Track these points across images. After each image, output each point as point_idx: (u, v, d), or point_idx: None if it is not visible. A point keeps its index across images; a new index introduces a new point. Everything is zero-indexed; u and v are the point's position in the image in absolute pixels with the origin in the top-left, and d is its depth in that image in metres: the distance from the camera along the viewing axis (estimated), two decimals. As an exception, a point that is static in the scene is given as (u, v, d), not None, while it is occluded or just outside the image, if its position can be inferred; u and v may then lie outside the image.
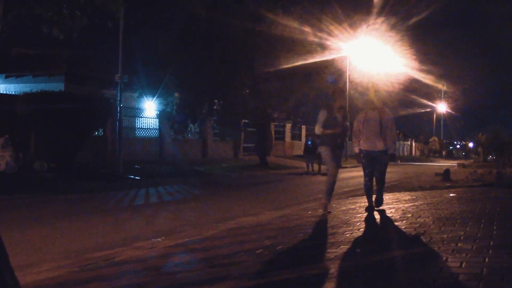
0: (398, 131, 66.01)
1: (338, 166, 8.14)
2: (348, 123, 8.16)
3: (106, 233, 7.30)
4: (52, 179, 14.98)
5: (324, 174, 23.34)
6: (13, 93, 20.26)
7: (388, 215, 6.85)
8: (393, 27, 27.01)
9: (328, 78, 26.66)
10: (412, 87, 36.29)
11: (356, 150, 7.84)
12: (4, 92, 21.53)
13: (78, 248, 6.10)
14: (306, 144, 24.61)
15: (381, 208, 7.72)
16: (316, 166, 23.78)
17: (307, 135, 29.90)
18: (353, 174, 22.99)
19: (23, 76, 23.31)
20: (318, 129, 7.94)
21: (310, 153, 23.20)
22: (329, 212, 7.80)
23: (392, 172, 24.22)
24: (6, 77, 23.63)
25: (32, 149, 17.20)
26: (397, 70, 31.56)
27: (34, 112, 16.61)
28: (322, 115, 7.92)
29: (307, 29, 22.90)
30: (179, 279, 4.28)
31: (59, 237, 7.00)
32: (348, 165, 33.73)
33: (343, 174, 23.81)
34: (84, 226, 7.94)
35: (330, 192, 7.98)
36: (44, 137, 17.07)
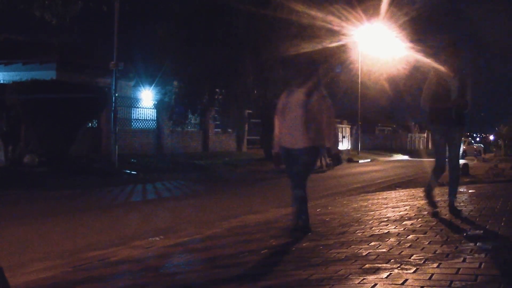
0: (414, 122, 65.75)
1: (455, 158, 6.42)
2: (469, 94, 6.34)
3: (101, 231, 7.34)
4: (43, 174, 15.04)
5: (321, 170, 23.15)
6: (2, 81, 20.32)
7: (402, 212, 6.85)
8: (408, 12, 26.89)
9: (336, 66, 26.60)
10: (426, 76, 36.24)
11: (275, 149, 5.99)
12: (-7, 81, 21.59)
13: (72, 247, 6.14)
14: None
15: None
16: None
17: None
18: (364, 169, 22.98)
19: (12, 63, 23.36)
20: (423, 103, 6.39)
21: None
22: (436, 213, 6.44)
23: (407, 167, 24.20)
24: (-5, 64, 23.71)
25: (23, 142, 17.26)
26: (411, 58, 31.44)
27: (24, 102, 16.65)
28: (429, 84, 6.36)
29: (315, 12, 22.81)
30: (178, 281, 4.30)
31: (51, 235, 7.03)
32: (359, 159, 33.74)
33: (354, 169, 23.79)
34: (77, 224, 7.98)
35: (430, 196, 6.63)
36: (35, 129, 17.12)
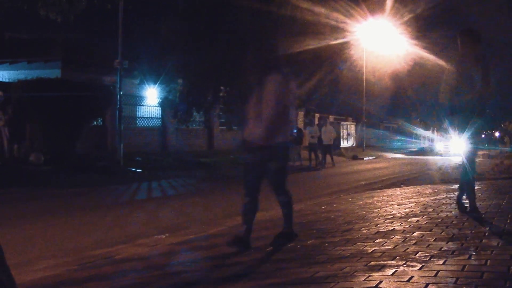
0: (418, 119, 65.44)
1: (471, 154, 5.90)
2: (491, 84, 5.83)
3: (106, 229, 7.36)
4: (48, 172, 15.08)
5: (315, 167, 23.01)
6: (7, 80, 20.37)
7: (408, 209, 6.84)
8: (413, 8, 26.82)
9: (341, 63, 26.55)
10: (430, 73, 36.11)
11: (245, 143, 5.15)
12: (-2, 80, 21.66)
13: (77, 245, 6.15)
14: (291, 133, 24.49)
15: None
16: (313, 159, 23.44)
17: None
18: (369, 166, 22.96)
19: (17, 62, 23.43)
20: (442, 96, 5.89)
21: (296, 143, 22.68)
22: None
23: (412, 164, 24.14)
24: (0, 63, 23.76)
25: (28, 140, 17.32)
26: (416, 54, 31.38)
27: (29, 100, 16.70)
28: (448, 75, 5.82)
29: (319, 9, 22.78)
30: (183, 279, 4.30)
31: (57, 233, 7.06)
32: (364, 156, 33.68)
33: (359, 166, 23.78)
34: (83, 222, 8.00)
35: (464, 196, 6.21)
36: (40, 127, 17.17)
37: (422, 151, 43.05)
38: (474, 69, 5.68)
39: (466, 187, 6.04)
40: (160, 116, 24.97)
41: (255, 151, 4.98)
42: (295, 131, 23.02)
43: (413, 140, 60.21)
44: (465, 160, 5.89)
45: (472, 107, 5.66)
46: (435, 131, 69.43)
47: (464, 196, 6.14)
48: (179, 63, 22.82)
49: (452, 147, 34.78)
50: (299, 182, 15.53)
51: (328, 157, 23.45)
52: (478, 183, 10.66)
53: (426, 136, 66.75)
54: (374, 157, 34.23)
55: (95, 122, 20.63)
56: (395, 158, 33.87)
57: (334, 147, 25.11)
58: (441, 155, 35.91)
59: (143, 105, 24.33)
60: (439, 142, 42.27)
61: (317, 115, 39.40)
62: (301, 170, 20.26)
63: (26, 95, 16.70)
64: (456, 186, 10.01)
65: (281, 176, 5.18)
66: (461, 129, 5.77)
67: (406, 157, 35.91)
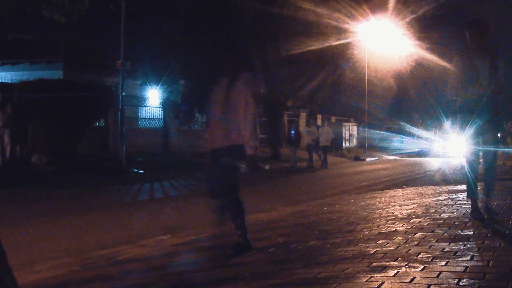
0: (420, 120, 65.24)
1: (491, 154, 5.55)
2: (501, 77, 5.46)
3: (109, 230, 7.37)
4: (51, 173, 15.10)
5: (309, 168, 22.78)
6: (9, 81, 20.40)
7: (410, 210, 6.84)
8: (415, 9, 26.82)
9: (343, 64, 26.54)
10: (432, 73, 36.07)
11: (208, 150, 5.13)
12: (0, 81, 21.68)
13: (79, 246, 6.16)
14: (289, 134, 23.78)
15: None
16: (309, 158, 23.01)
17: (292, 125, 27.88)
18: (371, 167, 22.94)
19: (19, 63, 23.46)
20: (451, 91, 5.58)
21: (293, 144, 22.60)
22: None
23: (414, 165, 24.12)
24: (2, 64, 23.80)
25: (30, 141, 17.35)
26: (418, 55, 31.34)
27: (31, 101, 16.73)
28: (454, 68, 5.51)
29: (321, 10, 22.79)
30: (185, 279, 4.31)
31: (59, 234, 7.07)
32: (366, 157, 33.66)
33: (361, 167, 23.76)
34: (85, 223, 8.01)
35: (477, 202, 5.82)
36: (42, 128, 17.20)
37: (420, 153, 41.78)
38: (482, 61, 5.37)
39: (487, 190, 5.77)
40: (162, 117, 24.99)
41: (218, 153, 4.91)
42: (292, 132, 22.92)
43: (415, 141, 59.95)
44: (485, 164, 5.63)
45: (480, 105, 5.29)
46: (437, 132, 69.11)
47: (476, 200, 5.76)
48: (181, 64, 22.85)
49: (450, 148, 33.12)
50: (301, 183, 15.53)
51: (323, 158, 22.95)
52: (480, 183, 10.65)
53: (428, 137, 66.53)
54: (376, 158, 34.22)
55: (97, 123, 20.65)
56: (396, 159, 33.82)
57: (331, 148, 24.76)
58: (439, 156, 34.54)
59: (145, 106, 24.35)
60: (437, 143, 40.11)
61: (319, 116, 39.45)
62: (298, 172, 20.24)
63: (28, 96, 16.72)
64: (457, 187, 10.02)
65: (231, 182, 4.91)
66: (467, 128, 5.44)
67: (408, 158, 35.76)
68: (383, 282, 3.38)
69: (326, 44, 23.65)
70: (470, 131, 5.39)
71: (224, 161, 4.86)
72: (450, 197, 8.15)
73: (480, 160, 5.67)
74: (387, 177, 16.85)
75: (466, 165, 5.65)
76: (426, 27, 28.17)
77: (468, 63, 5.41)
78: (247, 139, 4.77)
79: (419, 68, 32.74)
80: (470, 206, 5.81)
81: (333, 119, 42.10)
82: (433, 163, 24.60)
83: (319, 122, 38.95)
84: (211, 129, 5.01)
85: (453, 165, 17.66)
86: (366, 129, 43.43)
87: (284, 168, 21.39)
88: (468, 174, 5.66)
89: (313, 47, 22.89)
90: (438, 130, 58.63)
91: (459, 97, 5.53)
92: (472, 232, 4.88)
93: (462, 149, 5.79)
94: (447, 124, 36.91)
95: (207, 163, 5.11)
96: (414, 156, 37.90)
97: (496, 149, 5.62)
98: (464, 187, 9.91)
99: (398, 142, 52.35)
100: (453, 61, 5.54)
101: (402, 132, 60.63)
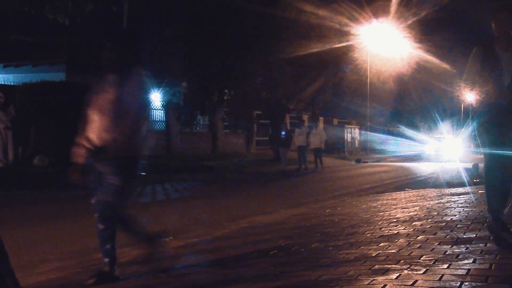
0: (422, 122, 65.18)
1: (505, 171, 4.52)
2: None
3: (111, 232, 7.35)
4: (53, 175, 15.11)
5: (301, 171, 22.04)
6: (12, 83, 20.44)
7: (412, 213, 6.83)
8: (418, 11, 26.82)
9: (345, 66, 26.54)
10: (438, 76, 36.01)
11: (79, 159, 4.48)
12: (3, 83, 21.73)
13: (82, 247, 6.17)
14: (279, 135, 22.48)
15: None
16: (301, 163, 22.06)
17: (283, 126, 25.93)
18: (374, 170, 22.90)
19: (22, 65, 23.50)
20: (466, 85, 4.77)
21: (284, 146, 21.45)
22: None
23: (417, 168, 24.06)
24: (5, 66, 23.86)
25: (32, 143, 17.36)
26: (421, 57, 31.34)
27: (34, 103, 16.75)
28: (473, 61, 4.72)
29: (323, 12, 22.81)
30: (187, 282, 4.31)
31: (61, 236, 7.07)
32: (368, 160, 33.63)
33: (363, 169, 23.73)
34: (87, 225, 7.98)
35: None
36: (44, 130, 17.21)
37: (414, 157, 39.22)
38: (505, 55, 4.58)
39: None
40: (164, 119, 25.00)
41: (95, 165, 4.29)
42: (283, 133, 22.50)
43: (416, 144, 59.54)
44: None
45: (500, 103, 4.52)
46: (431, 133, 68.36)
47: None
48: (183, 66, 22.87)
49: (445, 151, 30.62)
50: (302, 186, 15.52)
51: (317, 161, 22.10)
52: (483, 186, 10.63)
53: (425, 140, 66.16)
54: (378, 161, 34.16)
55: (99, 125, 20.65)
56: (399, 162, 33.72)
57: (324, 150, 23.46)
58: (430, 160, 30.48)
59: (147, 108, 24.34)
60: (429, 146, 34.92)
61: (321, 119, 39.43)
62: (293, 175, 20.21)
63: (31, 98, 16.74)
64: (459, 190, 10.01)
65: (117, 196, 4.33)
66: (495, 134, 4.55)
67: (410, 161, 35.54)
68: (385, 285, 3.37)
69: (328, 46, 23.65)
70: (494, 133, 4.54)
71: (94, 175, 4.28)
72: (452, 199, 8.14)
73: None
74: (389, 179, 16.82)
75: (488, 175, 4.77)
76: (429, 30, 28.20)
77: (490, 56, 4.62)
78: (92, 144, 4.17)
79: (422, 71, 32.74)
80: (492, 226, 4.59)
81: (335, 121, 42.08)
82: (436, 166, 24.24)
83: (320, 125, 39.01)
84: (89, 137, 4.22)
85: (450, 171, 17.31)
86: (368, 132, 43.36)
87: (287, 170, 21.34)
88: (491, 186, 4.73)
89: (315, 50, 22.90)
90: (432, 130, 56.56)
91: (476, 94, 4.70)
92: (475, 235, 4.87)
93: (458, 152, 5.36)
94: (443, 125, 35.71)
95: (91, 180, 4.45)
96: (402, 161, 35.47)
97: None
98: (467, 189, 9.91)
99: (397, 145, 51.64)
100: (473, 53, 4.77)
101: (403, 135, 60.38)
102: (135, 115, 4.18)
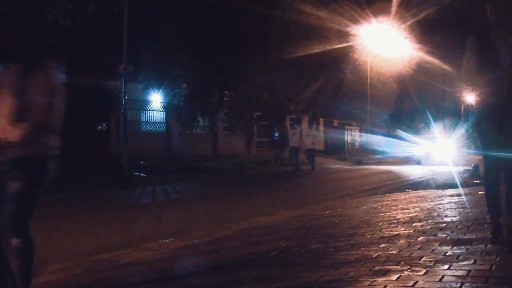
0: (422, 123, 65.18)
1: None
2: None
3: (111, 233, 7.37)
4: (53, 176, 15.09)
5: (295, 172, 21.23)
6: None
7: (412, 214, 6.83)
8: (417, 12, 26.84)
9: (345, 67, 26.56)
10: (437, 77, 36.01)
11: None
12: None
13: (82, 249, 6.16)
14: (271, 137, 21.81)
15: None
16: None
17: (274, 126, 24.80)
18: (374, 171, 22.90)
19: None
20: (465, 79, 4.43)
21: (277, 148, 20.92)
22: None
23: (417, 169, 24.04)
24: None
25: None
26: (421, 58, 31.34)
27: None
28: (469, 51, 4.38)
29: (324, 14, 22.83)
30: (188, 283, 4.31)
31: (61, 237, 7.07)
32: (368, 161, 33.62)
33: (363, 170, 23.72)
34: (87, 226, 8.01)
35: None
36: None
37: (404, 159, 37.34)
38: (503, 42, 4.23)
39: None
40: (164, 121, 24.99)
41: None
42: (276, 135, 22.16)
43: (411, 145, 59.10)
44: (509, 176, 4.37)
45: (499, 94, 4.20)
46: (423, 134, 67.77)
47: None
48: (183, 68, 22.89)
49: (437, 153, 27.40)
50: (302, 187, 15.52)
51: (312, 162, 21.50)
52: (483, 187, 10.62)
53: (420, 141, 65.91)
54: (378, 161, 34.13)
55: (99, 127, 20.67)
56: (399, 163, 33.66)
57: (318, 152, 23.09)
58: (421, 163, 27.59)
59: (147, 110, 24.35)
60: (420, 147, 31.09)
61: (321, 120, 39.41)
62: (289, 177, 20.21)
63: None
64: (459, 191, 10.00)
65: (25, 204, 3.75)
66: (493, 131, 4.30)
67: (411, 162, 35.37)
68: (385, 286, 3.37)
69: (329, 47, 23.68)
70: (492, 134, 4.30)
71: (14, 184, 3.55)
72: (453, 200, 8.14)
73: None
74: (389, 180, 16.82)
75: (486, 176, 4.60)
76: (429, 30, 28.21)
77: (487, 43, 4.26)
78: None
79: (422, 72, 32.75)
80: (491, 225, 4.60)
81: (336, 122, 42.07)
82: (436, 167, 23.92)
83: (321, 126, 38.98)
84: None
85: (442, 176, 16.27)
86: (368, 133, 43.33)
87: (287, 172, 21.32)
88: (489, 186, 4.61)
89: (315, 51, 22.91)
90: (429, 131, 54.11)
91: (476, 85, 4.35)
92: (475, 236, 4.87)
93: (451, 153, 5.11)
94: (437, 125, 34.13)
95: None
96: (389, 164, 31.01)
97: None
98: (467, 190, 9.91)
99: (391, 146, 50.61)
100: (468, 43, 4.39)
101: (402, 136, 60.15)
102: (40, 111, 3.61)
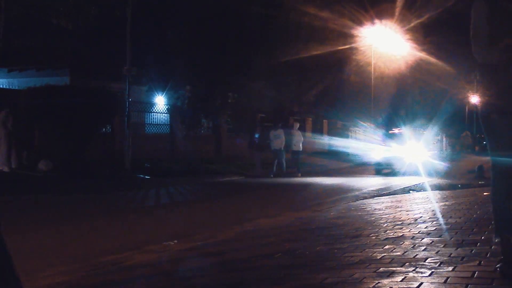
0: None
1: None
2: None
3: (115, 236, 7.37)
4: (57, 179, 15.14)
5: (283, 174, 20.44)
6: (17, 87, 20.49)
7: (417, 215, 6.81)
8: (421, 14, 26.79)
9: (348, 69, 26.52)
10: (441, 78, 35.86)
11: None
12: (7, 87, 21.78)
13: (86, 252, 6.17)
14: (252, 138, 21.34)
15: None
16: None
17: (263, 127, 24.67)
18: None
19: (26, 69, 23.55)
20: (476, 49, 3.37)
21: (258, 149, 20.52)
22: None
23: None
24: (9, 71, 23.89)
25: (37, 147, 17.39)
26: (424, 60, 31.27)
27: (38, 107, 16.80)
28: (477, 14, 3.34)
29: (327, 15, 22.82)
30: (192, 285, 4.30)
31: (65, 240, 7.08)
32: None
33: (366, 172, 23.67)
34: (91, 229, 8.02)
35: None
36: (49, 134, 17.25)
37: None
38: None
39: None
40: (168, 123, 25.00)
41: None
42: (256, 136, 21.83)
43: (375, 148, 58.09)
44: None
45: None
46: (443, 137, 67.85)
47: None
48: (187, 70, 22.91)
49: (400, 159, 20.85)
50: (306, 189, 15.50)
51: (285, 164, 20.64)
52: (487, 188, 10.60)
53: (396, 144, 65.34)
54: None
55: (103, 129, 20.69)
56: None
57: (302, 153, 22.08)
58: (380, 173, 21.62)
59: (151, 112, 24.37)
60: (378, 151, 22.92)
61: (325, 121, 39.36)
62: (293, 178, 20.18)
63: (35, 102, 16.79)
64: (466, 191, 9.97)
65: None
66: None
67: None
68: (390, 288, 3.37)
69: (332, 49, 23.67)
70: (506, 128, 3.35)
71: None
72: (457, 202, 8.12)
73: None
74: (394, 181, 16.78)
75: (496, 185, 3.82)
76: (432, 32, 28.15)
77: (497, 4, 3.28)
78: None
79: (425, 72, 32.66)
80: (501, 251, 3.51)
81: (339, 124, 42.02)
82: (439, 168, 22.26)
83: (325, 128, 38.94)
84: None
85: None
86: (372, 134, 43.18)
87: (291, 173, 21.28)
88: (499, 199, 3.71)
89: (318, 52, 22.90)
90: (445, 135, 51.58)
91: (489, 54, 3.31)
92: (480, 237, 4.86)
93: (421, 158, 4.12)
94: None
95: None
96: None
97: None
98: (468, 191, 9.88)
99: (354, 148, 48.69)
100: (473, 7, 3.37)
101: (402, 137, 59.60)
102: None
